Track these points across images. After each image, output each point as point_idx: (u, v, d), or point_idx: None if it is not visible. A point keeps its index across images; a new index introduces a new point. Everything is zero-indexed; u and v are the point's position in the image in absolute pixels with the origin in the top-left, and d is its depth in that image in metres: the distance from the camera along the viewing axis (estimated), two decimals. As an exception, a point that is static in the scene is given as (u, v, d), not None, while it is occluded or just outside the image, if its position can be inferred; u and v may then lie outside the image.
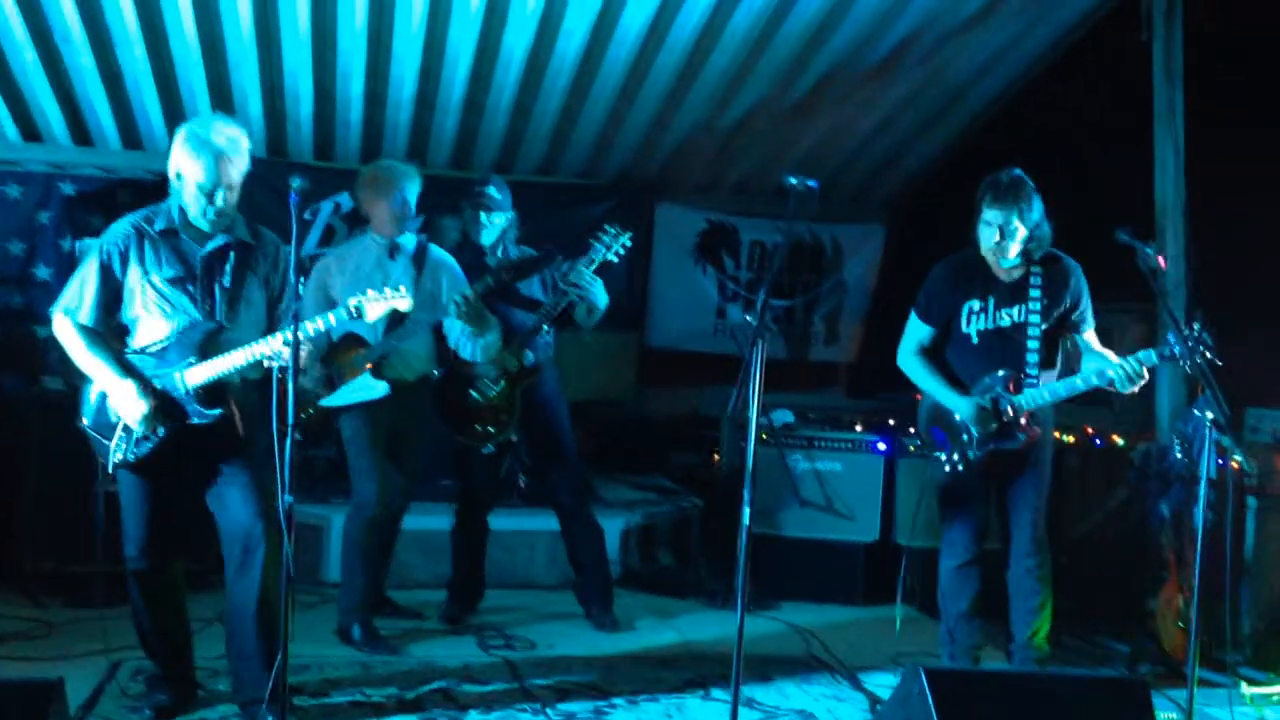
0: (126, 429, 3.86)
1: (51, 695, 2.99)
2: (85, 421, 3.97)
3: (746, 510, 3.62)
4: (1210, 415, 3.91)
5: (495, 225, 5.25)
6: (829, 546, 6.09)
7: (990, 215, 4.41)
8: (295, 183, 3.59)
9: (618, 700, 4.43)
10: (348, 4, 6.04)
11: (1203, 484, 3.84)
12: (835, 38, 6.54)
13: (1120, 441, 5.93)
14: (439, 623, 5.37)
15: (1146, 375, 4.26)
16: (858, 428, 6.37)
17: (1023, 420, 4.43)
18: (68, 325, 3.89)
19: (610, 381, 7.97)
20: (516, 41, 6.40)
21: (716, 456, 7.04)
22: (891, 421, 6.43)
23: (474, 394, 5.19)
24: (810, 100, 7.13)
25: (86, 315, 3.88)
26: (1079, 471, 6.30)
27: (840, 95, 7.13)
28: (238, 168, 3.86)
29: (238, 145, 3.86)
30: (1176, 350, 4.06)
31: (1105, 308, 6.06)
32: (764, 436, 6.13)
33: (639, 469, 7.63)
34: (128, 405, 3.81)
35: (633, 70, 6.74)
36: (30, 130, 6.90)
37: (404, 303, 3.95)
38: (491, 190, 5.24)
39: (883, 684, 4.71)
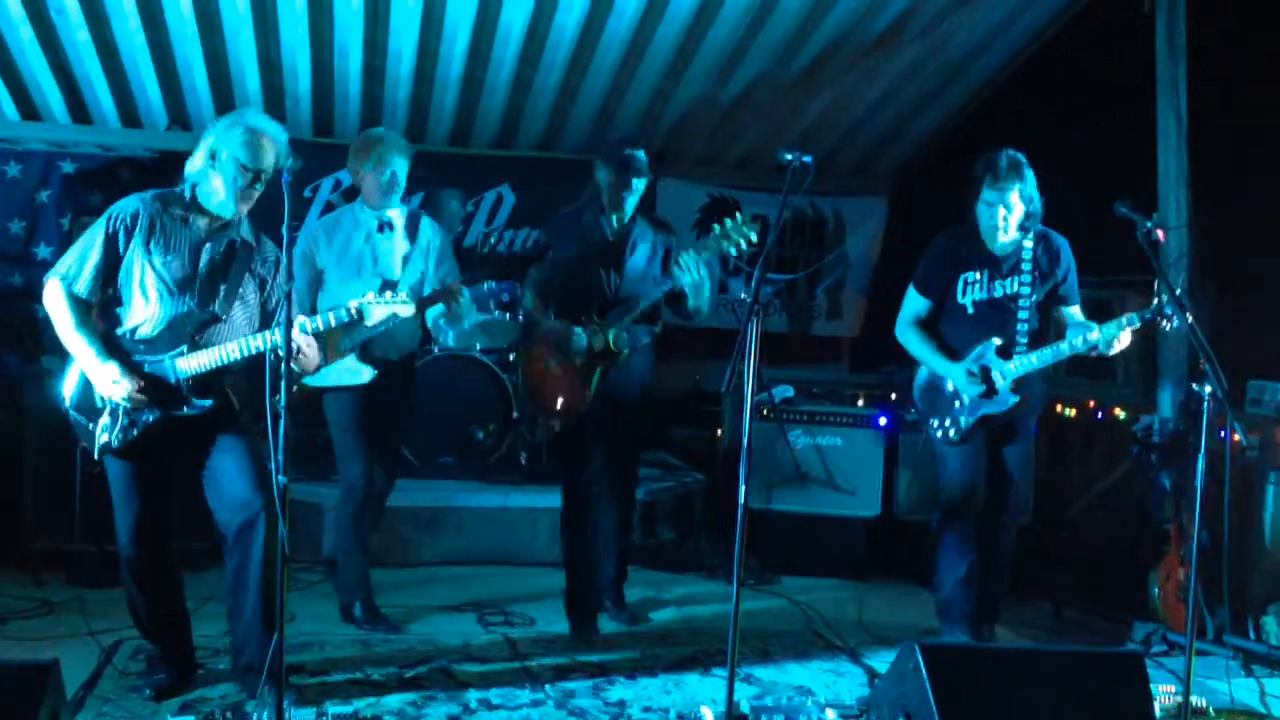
0: (113, 414, 3.85)
1: (46, 677, 2.99)
2: (66, 403, 3.95)
3: (743, 488, 3.63)
4: (1209, 388, 3.89)
5: (637, 193, 4.87)
6: (830, 521, 6.09)
7: (990, 196, 4.57)
8: (288, 163, 3.59)
9: (616, 677, 4.44)
10: (345, -22, 6.02)
11: (1201, 456, 3.81)
12: (835, 10, 6.49)
13: (1122, 414, 5.91)
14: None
15: (1127, 338, 4.41)
16: (859, 402, 6.37)
17: (1011, 386, 4.58)
18: (59, 294, 3.85)
19: (612, 357, 7.95)
20: (515, 16, 6.36)
21: (719, 432, 7.03)
22: (894, 396, 6.42)
23: (552, 365, 4.87)
24: (811, 73, 7.08)
25: (83, 286, 3.85)
26: (1081, 445, 6.29)
27: (841, 68, 7.08)
28: (272, 159, 3.87)
29: (277, 138, 3.89)
30: (1169, 311, 4.15)
31: (1108, 280, 6.06)
32: (765, 412, 6.11)
33: (643, 445, 7.61)
34: (110, 387, 3.80)
35: (632, 44, 6.69)
36: (29, 109, 6.90)
37: (406, 309, 3.92)
38: (642, 154, 4.84)
39: (882, 659, 4.71)
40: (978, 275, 4.68)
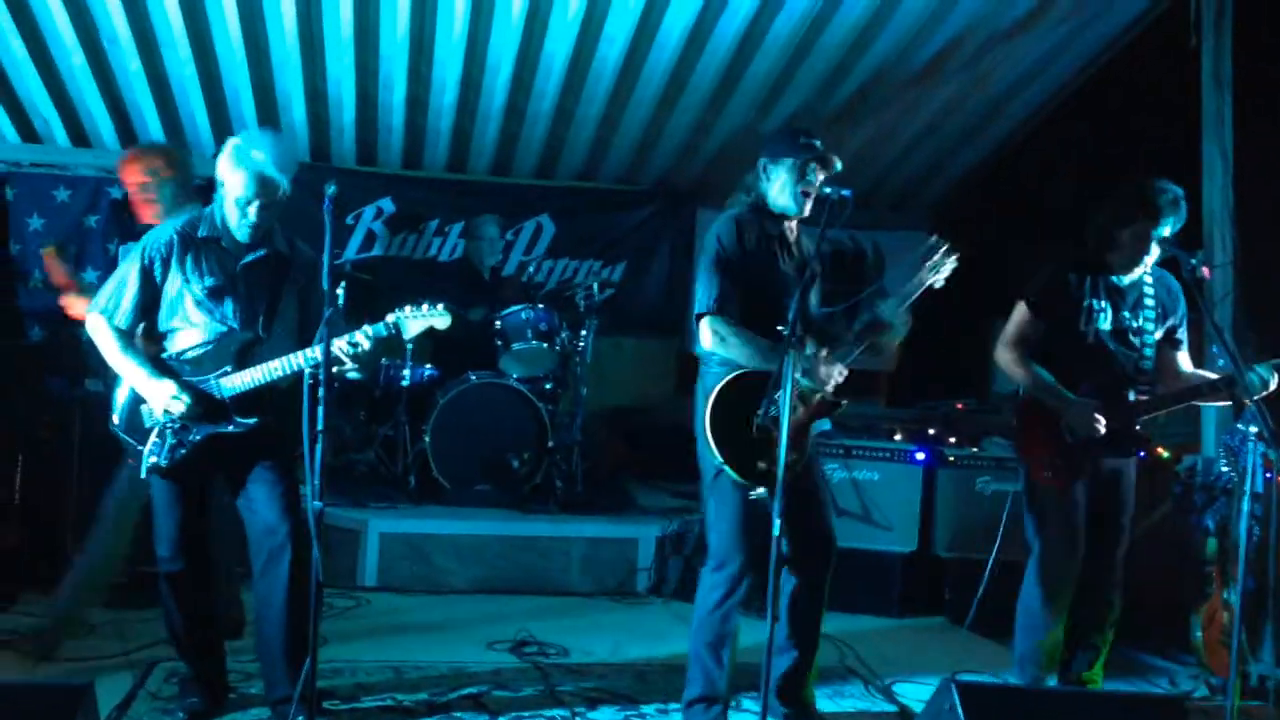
0: (161, 434, 3.89)
1: (80, 699, 3.01)
2: (116, 423, 4.00)
3: (777, 521, 3.60)
4: (1255, 429, 3.83)
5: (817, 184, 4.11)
6: (866, 556, 6.00)
7: (1145, 228, 4.27)
8: (329, 189, 3.62)
9: (647, 709, 4.40)
10: (390, 10, 6.10)
11: (1246, 499, 3.77)
12: (877, 43, 6.50)
13: (1165, 454, 5.83)
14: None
15: (1275, 383, 4.13)
16: (897, 436, 6.31)
17: (1137, 427, 4.35)
18: (103, 326, 3.92)
19: (649, 388, 7.97)
20: (557, 48, 6.41)
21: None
22: (931, 431, 6.36)
23: (760, 419, 3.86)
24: (852, 106, 7.09)
25: (123, 318, 3.92)
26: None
27: (883, 102, 7.08)
28: (277, 184, 3.88)
29: (280, 161, 3.88)
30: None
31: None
32: (801, 445, 6.06)
33: (676, 476, 7.60)
34: (169, 403, 3.83)
35: (674, 76, 6.73)
36: (79, 135, 7.03)
37: (442, 321, 3.94)
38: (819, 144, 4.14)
39: (916, 697, 4.65)
40: (1102, 304, 4.39)
